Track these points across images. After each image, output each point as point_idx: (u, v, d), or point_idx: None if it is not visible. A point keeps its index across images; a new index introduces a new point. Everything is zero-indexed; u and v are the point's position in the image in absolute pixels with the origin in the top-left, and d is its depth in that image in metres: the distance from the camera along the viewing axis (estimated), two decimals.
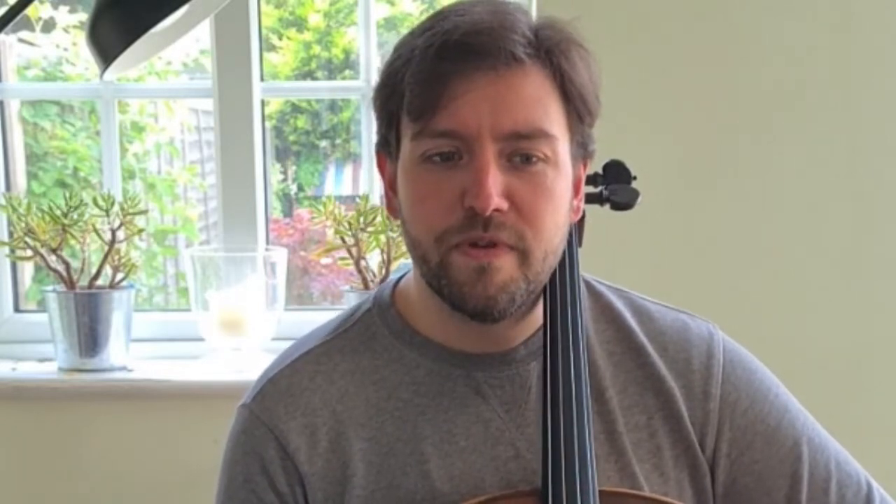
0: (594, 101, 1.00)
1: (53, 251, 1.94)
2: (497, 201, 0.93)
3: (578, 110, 0.99)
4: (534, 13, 1.03)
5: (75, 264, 1.98)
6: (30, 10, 1.79)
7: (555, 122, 0.97)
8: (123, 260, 1.98)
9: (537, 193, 0.96)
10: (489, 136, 0.94)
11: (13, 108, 2.38)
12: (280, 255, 2.06)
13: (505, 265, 0.96)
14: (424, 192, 0.97)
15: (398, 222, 1.04)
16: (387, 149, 1.03)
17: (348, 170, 3.47)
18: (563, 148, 0.98)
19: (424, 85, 0.95)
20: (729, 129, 1.91)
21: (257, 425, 1.06)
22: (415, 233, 0.99)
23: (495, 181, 0.93)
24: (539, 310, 1.05)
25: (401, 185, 1.01)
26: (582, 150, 1.02)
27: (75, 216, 1.94)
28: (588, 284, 1.11)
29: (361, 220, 1.94)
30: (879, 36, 1.91)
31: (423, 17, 1.02)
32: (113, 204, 1.96)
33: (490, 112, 0.94)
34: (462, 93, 0.94)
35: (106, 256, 1.96)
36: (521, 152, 0.95)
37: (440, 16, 0.99)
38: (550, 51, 0.97)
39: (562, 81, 0.97)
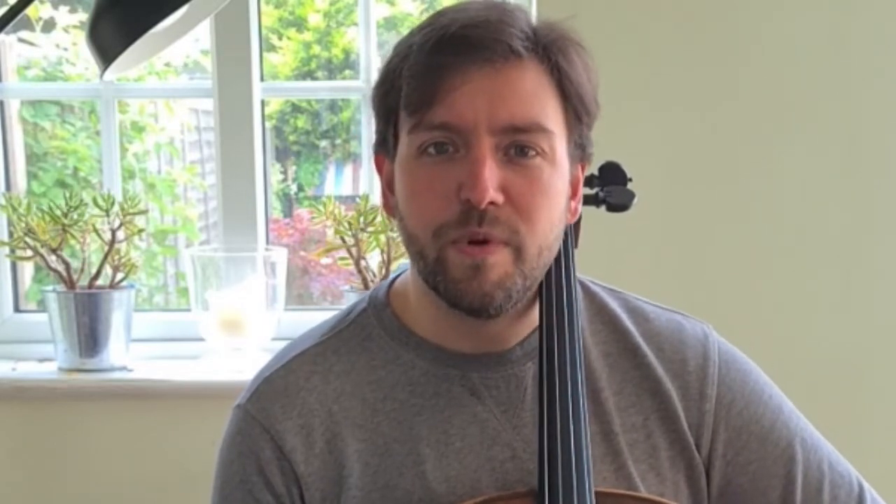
0: (592, 101, 1.01)
1: (53, 251, 1.94)
2: (493, 194, 0.93)
3: (576, 109, 0.99)
4: (533, 13, 1.03)
5: (75, 264, 1.98)
6: (30, 10, 1.80)
7: (552, 118, 0.97)
8: (123, 260, 1.98)
9: (533, 188, 0.96)
10: (485, 129, 0.94)
11: (13, 108, 2.38)
12: (280, 255, 2.06)
13: (499, 261, 0.96)
14: (421, 185, 0.97)
15: (396, 221, 1.04)
16: (385, 147, 1.03)
17: (348, 170, 3.48)
18: (560, 145, 0.98)
19: (421, 78, 0.96)
20: (725, 130, 1.91)
21: (253, 425, 1.06)
22: (412, 228, 0.99)
23: (491, 174, 0.94)
24: (535, 310, 1.05)
25: (398, 181, 1.01)
26: (580, 150, 1.02)
27: (75, 216, 1.94)
28: (583, 285, 1.11)
29: (361, 220, 1.95)
30: (879, 36, 1.91)
31: (423, 17, 1.03)
32: (113, 204, 1.96)
33: (487, 105, 0.94)
34: (459, 85, 0.94)
35: (106, 256, 1.96)
36: (518, 145, 0.95)
37: (438, 14, 1.00)
38: (548, 47, 0.97)
39: (559, 79, 0.98)
